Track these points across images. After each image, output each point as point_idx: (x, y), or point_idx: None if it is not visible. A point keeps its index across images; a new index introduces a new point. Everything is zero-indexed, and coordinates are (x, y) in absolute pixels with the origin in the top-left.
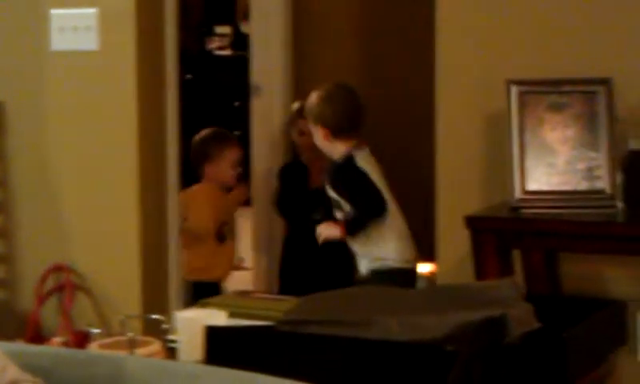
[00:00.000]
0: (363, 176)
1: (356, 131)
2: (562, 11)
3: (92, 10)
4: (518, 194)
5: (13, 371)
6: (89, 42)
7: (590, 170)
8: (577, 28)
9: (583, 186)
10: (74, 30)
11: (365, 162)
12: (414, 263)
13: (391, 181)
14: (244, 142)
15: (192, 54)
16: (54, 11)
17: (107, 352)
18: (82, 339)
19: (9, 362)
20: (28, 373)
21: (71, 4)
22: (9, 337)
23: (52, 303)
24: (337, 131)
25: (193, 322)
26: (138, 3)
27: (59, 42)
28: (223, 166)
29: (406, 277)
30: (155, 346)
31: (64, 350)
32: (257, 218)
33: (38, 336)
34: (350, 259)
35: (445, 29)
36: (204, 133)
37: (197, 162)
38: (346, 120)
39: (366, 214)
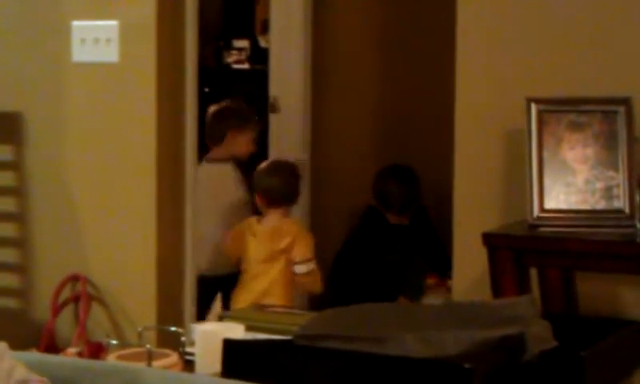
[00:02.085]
0: None
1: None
2: (582, 29)
3: (113, 23)
4: (535, 212)
5: (21, 371)
6: (109, 54)
7: (608, 189)
8: (597, 46)
9: (601, 205)
10: (94, 42)
11: None
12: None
13: None
14: (261, 156)
15: (210, 68)
16: (75, 23)
17: (125, 363)
18: (96, 350)
19: (17, 362)
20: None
21: (92, 16)
22: (23, 347)
23: (67, 314)
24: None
25: (210, 335)
26: (159, 16)
27: (80, 53)
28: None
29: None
30: (173, 357)
31: (81, 361)
32: None
33: (53, 346)
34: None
35: (465, 45)
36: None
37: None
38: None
39: None
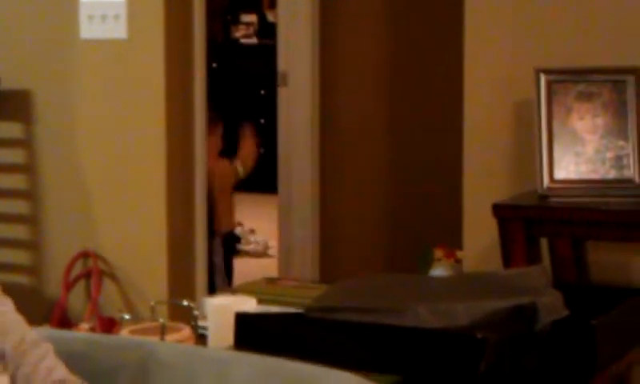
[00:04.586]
0: None
1: None
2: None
3: None
4: (545, 182)
5: (61, 372)
6: (117, 30)
7: (618, 158)
8: (606, 16)
9: (611, 174)
10: (102, 18)
11: None
12: None
13: (420, 168)
14: (270, 131)
15: (218, 43)
16: (83, 0)
17: (138, 337)
18: (109, 325)
19: (58, 362)
20: (60, 359)
21: None
22: (36, 323)
23: (79, 289)
24: None
25: (222, 309)
26: None
27: (88, 30)
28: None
29: None
30: (185, 331)
31: (95, 336)
32: (282, 206)
33: (65, 322)
34: None
35: (473, 16)
36: None
37: None
38: None
39: None
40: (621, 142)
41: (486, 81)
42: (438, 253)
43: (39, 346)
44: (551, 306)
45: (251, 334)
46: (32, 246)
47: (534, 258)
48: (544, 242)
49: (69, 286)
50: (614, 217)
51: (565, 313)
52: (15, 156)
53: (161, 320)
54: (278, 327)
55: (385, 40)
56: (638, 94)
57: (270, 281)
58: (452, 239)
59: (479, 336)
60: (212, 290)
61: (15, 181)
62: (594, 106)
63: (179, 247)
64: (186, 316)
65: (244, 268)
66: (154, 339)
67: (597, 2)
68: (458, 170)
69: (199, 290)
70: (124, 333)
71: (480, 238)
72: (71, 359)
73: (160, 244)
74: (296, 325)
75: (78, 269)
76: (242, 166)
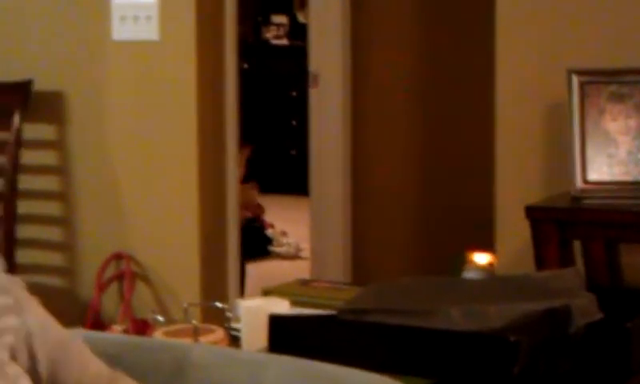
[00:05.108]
0: None
1: None
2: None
3: (153, 0)
4: (578, 184)
5: (98, 365)
6: (149, 31)
7: None
8: (638, 17)
9: None
10: (134, 19)
11: None
12: None
13: (451, 168)
14: (301, 132)
15: (248, 44)
16: (115, 1)
17: (172, 340)
18: (141, 327)
19: (93, 355)
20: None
21: None
22: (69, 324)
23: (112, 291)
24: None
25: (256, 311)
26: None
27: (120, 31)
28: None
29: None
30: (219, 333)
31: (129, 338)
32: (314, 208)
33: (98, 323)
34: None
35: (505, 17)
36: None
37: None
38: None
39: None
40: None
41: (517, 82)
42: (471, 255)
43: (73, 342)
44: (585, 308)
45: (284, 335)
46: (65, 247)
47: (567, 261)
48: (577, 245)
49: (102, 287)
50: None
51: (599, 316)
52: (48, 158)
53: (194, 322)
54: (310, 329)
55: (416, 40)
56: None
57: (303, 283)
58: (485, 241)
59: (512, 339)
60: None
61: (48, 182)
62: (626, 107)
63: (211, 249)
64: (219, 318)
65: (276, 270)
66: (187, 341)
67: (629, 3)
68: (491, 171)
69: (232, 292)
70: (157, 335)
71: (513, 240)
72: (104, 361)
73: (192, 246)
74: (329, 327)
75: (110, 271)
76: None
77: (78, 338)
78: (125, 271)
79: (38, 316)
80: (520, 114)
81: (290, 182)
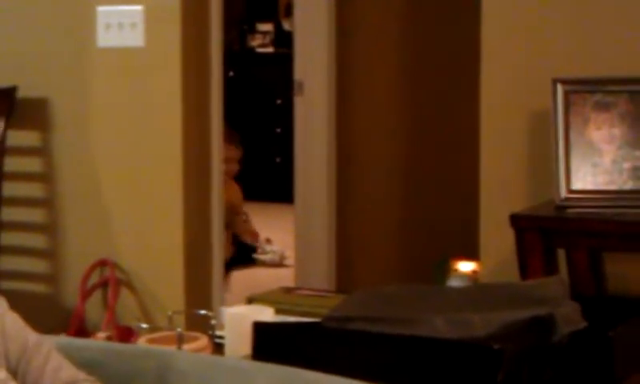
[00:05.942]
0: None
1: None
2: (608, 9)
3: (138, 7)
4: (562, 193)
5: (70, 372)
6: (134, 38)
7: (635, 169)
8: (623, 26)
9: (629, 185)
10: (119, 26)
11: None
12: None
13: (436, 178)
14: (286, 140)
15: (234, 51)
16: (100, 8)
17: (155, 347)
18: (125, 334)
19: (64, 360)
20: (78, 367)
21: (117, 1)
22: (53, 331)
23: (96, 298)
24: None
25: (240, 318)
26: (183, 0)
27: (105, 38)
28: None
29: None
30: (203, 341)
31: (113, 344)
32: (299, 216)
33: (82, 330)
34: None
35: (490, 25)
36: None
37: None
38: None
39: None
40: (638, 153)
41: (502, 91)
42: (455, 264)
43: (41, 348)
44: (569, 317)
45: (268, 343)
46: (49, 254)
47: (551, 269)
48: (561, 253)
49: (86, 294)
50: (630, 228)
51: (582, 324)
52: (32, 164)
53: (178, 329)
54: (294, 337)
55: (401, 49)
56: None
57: (287, 290)
58: (469, 250)
59: (496, 347)
60: None
61: (32, 189)
62: (610, 116)
63: (196, 256)
64: (203, 325)
65: (260, 278)
66: (171, 348)
67: (614, 13)
68: (475, 180)
69: (216, 300)
70: (141, 342)
71: (497, 248)
72: (88, 368)
73: (177, 253)
74: (313, 334)
75: (95, 277)
76: None
77: (50, 344)
78: (109, 278)
79: (13, 320)
80: (505, 123)
81: (274, 190)
